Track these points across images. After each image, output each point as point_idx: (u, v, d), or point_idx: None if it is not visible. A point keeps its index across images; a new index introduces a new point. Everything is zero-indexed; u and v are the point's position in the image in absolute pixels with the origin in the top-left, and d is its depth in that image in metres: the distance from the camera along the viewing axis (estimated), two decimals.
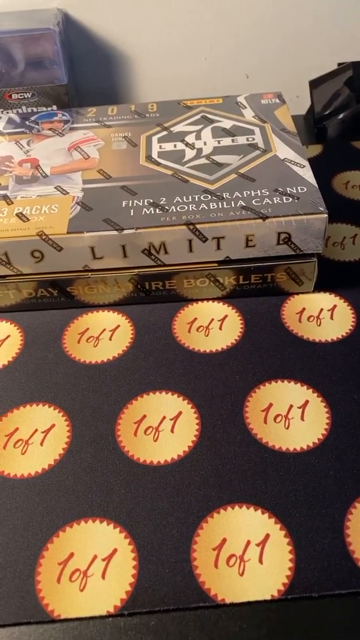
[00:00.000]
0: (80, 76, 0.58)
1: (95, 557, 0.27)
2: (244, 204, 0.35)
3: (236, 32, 0.57)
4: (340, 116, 0.56)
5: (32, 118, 0.47)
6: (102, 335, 0.37)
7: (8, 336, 0.38)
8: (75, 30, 0.56)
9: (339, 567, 0.26)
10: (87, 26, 0.56)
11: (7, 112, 0.53)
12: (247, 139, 0.42)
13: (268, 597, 0.25)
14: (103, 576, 0.26)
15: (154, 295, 0.38)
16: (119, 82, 0.59)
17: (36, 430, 0.32)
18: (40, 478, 0.30)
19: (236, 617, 0.24)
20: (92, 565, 0.26)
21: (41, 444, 0.31)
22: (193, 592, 0.25)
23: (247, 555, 0.26)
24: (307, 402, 0.32)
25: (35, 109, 0.53)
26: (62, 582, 0.26)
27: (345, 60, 0.59)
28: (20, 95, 0.52)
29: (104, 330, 0.38)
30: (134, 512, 0.28)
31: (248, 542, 0.27)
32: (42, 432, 0.32)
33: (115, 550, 0.27)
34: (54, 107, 0.53)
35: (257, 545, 0.27)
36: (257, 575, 0.26)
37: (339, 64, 0.58)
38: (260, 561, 0.26)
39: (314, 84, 0.56)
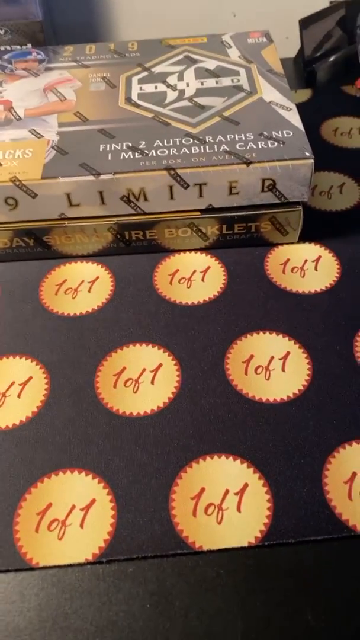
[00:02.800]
0: (57, 12, 0.55)
1: (73, 507, 0.27)
2: (228, 149, 0.34)
3: None
4: (331, 59, 0.53)
5: (5, 57, 0.45)
6: (80, 287, 0.36)
7: None
8: None
9: (316, 514, 0.26)
10: None
11: None
12: (232, 80, 0.40)
13: (245, 544, 0.25)
14: (82, 525, 0.26)
15: (134, 245, 0.37)
16: (98, 19, 0.56)
17: (13, 383, 0.31)
18: (18, 430, 0.30)
19: (213, 564, 0.25)
20: (71, 515, 0.26)
21: (18, 396, 0.31)
22: (171, 539, 0.25)
23: (225, 504, 0.26)
24: (288, 353, 0.32)
25: (9, 47, 0.50)
26: (40, 532, 0.26)
27: None
28: None
29: (83, 281, 0.36)
30: (112, 463, 0.28)
31: (226, 491, 0.27)
32: (20, 385, 0.31)
33: (93, 500, 0.27)
34: (29, 46, 0.50)
35: (236, 494, 0.27)
36: (234, 523, 0.26)
37: (331, 2, 0.55)
38: (239, 509, 0.26)
39: (304, 24, 0.53)
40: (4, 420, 0.30)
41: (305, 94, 0.51)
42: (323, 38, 0.53)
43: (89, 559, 0.25)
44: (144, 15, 0.56)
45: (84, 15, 0.55)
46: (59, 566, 0.25)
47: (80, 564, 0.25)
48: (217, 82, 0.40)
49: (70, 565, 0.25)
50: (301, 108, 0.49)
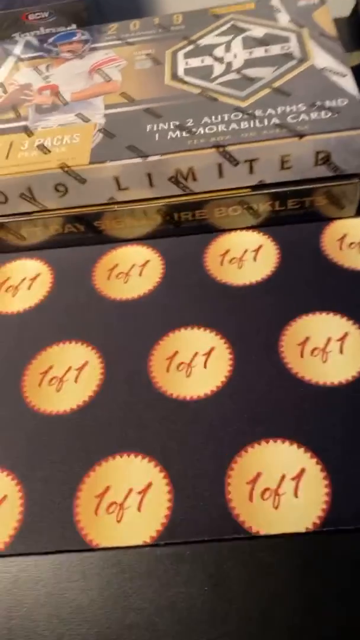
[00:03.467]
0: None
1: (130, 490, 0.27)
2: (278, 122, 0.32)
3: None
4: None
5: (50, 40, 0.44)
6: (131, 271, 0.36)
7: (39, 274, 0.37)
8: None
9: None
10: None
11: (25, 35, 0.50)
12: (282, 48, 0.38)
13: (303, 530, 0.25)
14: (139, 508, 0.26)
15: (183, 226, 0.36)
16: None
17: (70, 368, 0.32)
18: (76, 414, 0.30)
19: (271, 549, 0.24)
20: (128, 498, 0.27)
21: (75, 381, 0.32)
22: (227, 524, 0.25)
23: (282, 489, 0.26)
24: (346, 334, 0.31)
25: (54, 30, 0.50)
26: (99, 514, 0.27)
27: None
28: (38, 15, 0.49)
29: (134, 265, 0.36)
30: (167, 447, 0.28)
31: (283, 476, 0.26)
32: (76, 370, 0.32)
33: (150, 484, 0.27)
34: (74, 26, 0.49)
35: (292, 479, 0.26)
36: (292, 509, 0.25)
37: None
38: (296, 495, 0.26)
39: None
40: (63, 404, 0.31)
41: None
42: None
43: (146, 541, 0.25)
44: None
45: None
46: (118, 548, 0.25)
47: (138, 546, 0.25)
48: (266, 51, 0.38)
49: (129, 547, 0.25)
50: (356, 71, 0.46)
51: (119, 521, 0.26)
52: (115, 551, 0.25)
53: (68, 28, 0.49)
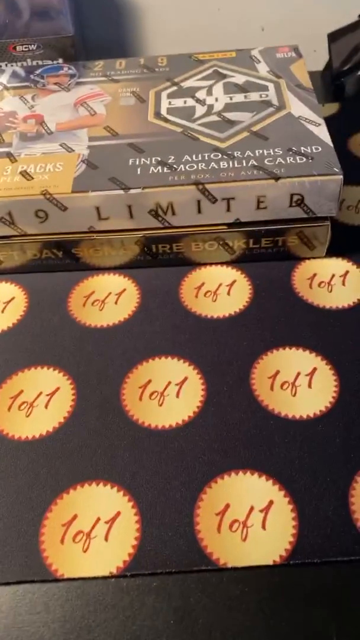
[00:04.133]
0: (88, 28, 0.56)
1: (98, 519, 0.27)
2: (256, 164, 0.34)
3: None
4: (359, 72, 0.53)
5: (37, 71, 0.46)
6: (107, 299, 0.37)
7: (13, 298, 0.37)
8: None
9: (342, 534, 0.25)
10: None
11: (12, 65, 0.51)
12: (261, 95, 0.40)
13: (270, 562, 0.25)
14: (106, 538, 0.26)
15: (160, 258, 0.37)
16: (128, 34, 0.56)
17: (41, 393, 0.32)
18: (45, 440, 0.30)
19: (238, 581, 0.24)
20: (96, 527, 0.26)
21: (46, 406, 0.31)
22: (195, 555, 0.25)
23: (250, 520, 0.26)
24: (315, 369, 0.32)
25: (40, 62, 0.51)
26: (65, 543, 0.26)
27: None
28: (25, 47, 0.50)
29: (110, 293, 0.37)
30: (137, 476, 0.28)
31: (251, 508, 0.27)
32: (47, 395, 0.32)
33: (118, 513, 0.27)
34: (60, 60, 0.51)
35: (261, 511, 0.26)
36: (259, 541, 0.25)
37: (359, 16, 0.55)
38: (264, 527, 0.26)
39: (333, 37, 0.53)
40: (32, 430, 0.30)
41: (333, 107, 0.51)
42: (351, 51, 0.53)
43: (113, 572, 0.25)
44: (173, 31, 0.56)
45: (114, 31, 0.56)
46: (84, 578, 0.25)
47: (104, 577, 0.25)
48: (245, 97, 0.40)
49: (95, 578, 0.25)
50: (329, 121, 0.49)
51: (85, 551, 0.26)
52: (80, 582, 0.25)
53: (54, 62, 0.51)
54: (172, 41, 0.57)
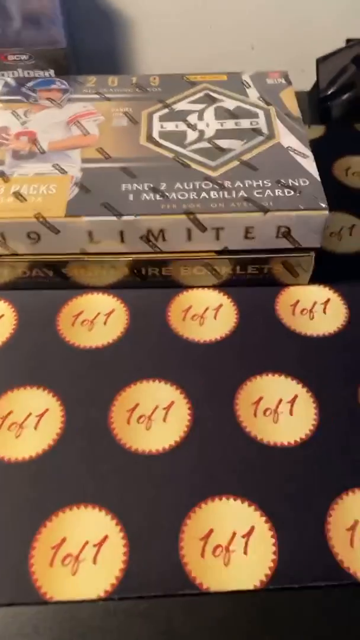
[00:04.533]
0: (80, 39, 0.56)
1: (86, 542, 0.28)
2: (246, 195, 0.35)
3: (244, 1, 0.54)
4: (345, 96, 0.54)
5: (29, 84, 0.46)
6: (96, 319, 0.37)
7: (2, 315, 0.38)
8: None
9: (318, 561, 0.27)
10: None
11: (2, 75, 0.51)
12: (251, 123, 0.41)
13: (251, 587, 0.26)
14: (94, 561, 0.27)
15: (150, 280, 0.38)
16: (120, 47, 0.57)
17: (30, 414, 0.33)
18: (34, 462, 0.31)
19: (220, 605, 0.26)
20: (84, 551, 0.27)
21: (35, 428, 0.32)
22: (180, 579, 0.27)
23: (232, 546, 0.27)
24: (296, 396, 0.33)
25: (31, 72, 0.51)
26: (54, 566, 0.27)
27: (354, 37, 0.57)
28: (17, 57, 0.50)
29: (99, 314, 0.38)
30: (125, 500, 0.29)
31: (234, 534, 0.28)
32: (37, 416, 0.33)
33: (106, 537, 0.28)
34: (52, 72, 0.51)
35: (243, 537, 0.28)
36: (241, 566, 0.27)
37: (348, 40, 0.56)
38: (245, 552, 0.27)
39: (322, 61, 0.54)
40: (21, 451, 0.31)
41: (319, 131, 0.52)
42: (338, 75, 0.54)
43: (101, 595, 0.26)
44: (165, 44, 0.57)
45: (106, 44, 0.56)
46: (72, 602, 0.26)
47: (92, 600, 0.26)
48: (236, 124, 0.41)
49: (83, 601, 0.26)
50: (314, 145, 0.50)
51: (73, 574, 0.27)
52: (68, 605, 0.26)
53: (46, 73, 0.51)
54: (162, 55, 0.58)
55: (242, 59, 0.58)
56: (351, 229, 0.43)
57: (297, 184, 0.36)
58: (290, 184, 0.36)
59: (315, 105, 0.56)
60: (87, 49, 0.56)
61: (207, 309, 0.38)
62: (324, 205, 0.34)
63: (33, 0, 0.49)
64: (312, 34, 0.57)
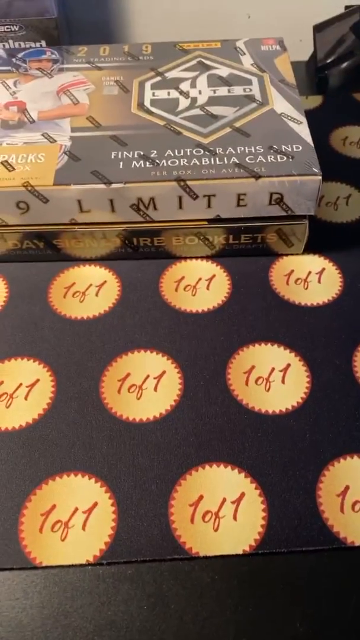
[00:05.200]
0: (72, 8, 0.55)
1: (76, 509, 0.28)
2: (237, 161, 0.34)
3: None
4: (344, 65, 0.53)
5: (20, 55, 0.45)
6: (88, 291, 0.37)
7: None
8: None
9: (309, 525, 0.27)
10: None
11: None
12: (244, 90, 0.40)
13: (240, 552, 0.26)
14: (84, 527, 0.27)
15: (141, 251, 0.38)
16: (113, 16, 0.56)
17: (21, 385, 0.32)
18: (25, 431, 0.31)
19: (209, 569, 0.26)
20: (73, 517, 0.27)
21: (25, 398, 0.32)
22: (169, 544, 0.26)
23: (222, 512, 0.27)
24: (288, 365, 0.33)
25: (23, 44, 0.50)
26: (44, 532, 0.27)
27: (354, 3, 0.56)
28: (7, 28, 0.49)
29: (90, 285, 0.37)
30: (115, 468, 0.29)
31: (224, 500, 0.28)
32: (27, 387, 0.32)
33: (95, 504, 0.28)
34: (43, 43, 0.50)
35: (232, 502, 0.28)
36: (230, 531, 0.27)
37: (346, 7, 0.55)
38: (235, 518, 0.27)
39: (318, 29, 0.53)
40: (11, 421, 0.31)
41: (316, 100, 0.51)
42: (336, 44, 0.53)
43: (89, 560, 0.26)
44: (159, 15, 0.56)
45: (98, 14, 0.55)
46: (61, 566, 0.26)
47: (81, 565, 0.26)
48: (229, 91, 0.40)
49: (72, 566, 0.26)
50: (311, 115, 0.50)
51: (63, 540, 0.27)
52: (57, 569, 0.26)
53: (37, 44, 0.50)
54: (157, 25, 0.56)
55: (238, 28, 0.57)
56: (347, 198, 0.42)
57: (289, 150, 0.35)
58: (283, 150, 0.35)
59: (312, 75, 0.54)
60: (79, 20, 0.55)
61: (199, 279, 0.37)
62: (317, 171, 0.34)
63: None
64: (310, 2, 0.56)
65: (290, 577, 0.25)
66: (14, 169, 0.35)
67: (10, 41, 0.50)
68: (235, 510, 0.27)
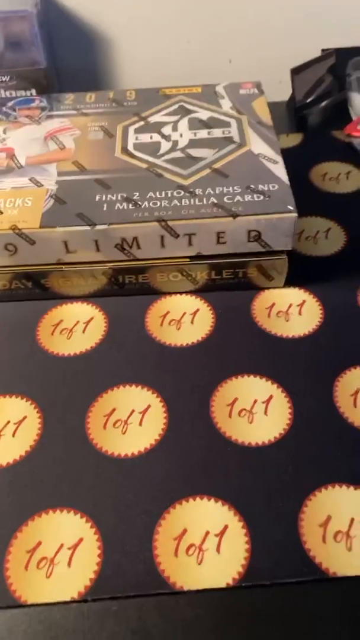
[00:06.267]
0: (61, 57, 0.57)
1: (62, 545, 0.28)
2: (216, 201, 0.36)
3: (220, 15, 0.56)
4: (322, 104, 0.56)
5: (10, 104, 0.47)
6: (75, 328, 0.38)
7: None
8: (54, 10, 0.55)
9: (291, 557, 0.27)
10: (66, 6, 0.55)
11: None
12: (223, 132, 0.42)
13: (223, 585, 0.26)
14: (69, 564, 0.27)
15: (127, 287, 0.39)
16: (99, 64, 0.58)
17: (8, 422, 0.33)
18: (11, 469, 0.31)
19: (193, 604, 0.26)
20: (59, 554, 0.28)
21: (13, 435, 0.32)
22: (153, 579, 0.27)
23: (205, 545, 0.28)
24: (271, 397, 0.34)
25: (14, 93, 0.52)
26: (29, 569, 0.27)
27: (330, 47, 0.58)
28: None
29: (78, 322, 0.38)
30: (100, 503, 0.29)
31: (207, 533, 0.28)
32: (15, 424, 0.33)
33: (81, 539, 0.28)
34: (33, 91, 0.52)
35: (216, 535, 0.28)
36: (214, 564, 0.27)
37: (323, 50, 0.58)
38: (218, 551, 0.27)
39: (296, 71, 0.56)
40: None
41: (296, 138, 0.53)
42: (314, 84, 0.56)
43: (74, 597, 0.26)
44: (144, 61, 0.58)
45: (86, 61, 0.58)
46: (46, 604, 0.26)
47: (66, 602, 0.26)
48: (209, 133, 0.42)
49: (57, 604, 0.26)
50: (292, 152, 0.51)
51: (48, 577, 0.27)
52: (42, 608, 0.26)
53: (27, 92, 0.52)
54: (142, 70, 0.59)
55: (219, 73, 0.60)
56: (327, 232, 0.44)
57: (266, 189, 0.36)
58: (260, 189, 0.36)
59: (292, 114, 0.57)
60: (68, 68, 0.58)
61: (184, 314, 0.38)
62: (292, 208, 0.35)
63: (13, 25, 0.51)
64: (289, 45, 0.59)
65: (274, 609, 0.26)
66: (2, 212, 0.36)
67: (2, 90, 0.52)
68: (219, 543, 0.28)
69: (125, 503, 0.29)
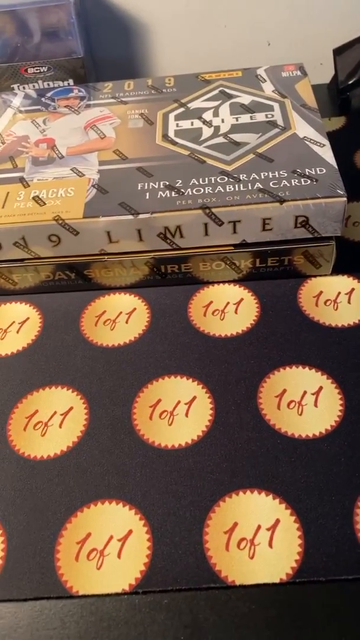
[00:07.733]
0: (97, 47, 0.57)
1: (111, 537, 0.28)
2: (261, 187, 0.35)
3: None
4: None
5: (48, 94, 0.47)
6: (118, 318, 0.38)
7: (27, 318, 0.38)
8: (91, 0, 0.54)
9: (346, 553, 0.26)
10: None
11: (24, 88, 0.52)
12: (266, 116, 0.41)
13: (277, 580, 0.26)
14: (119, 556, 0.27)
15: (169, 278, 0.38)
16: (137, 52, 0.58)
17: (55, 413, 0.33)
18: (59, 460, 0.31)
19: (245, 599, 0.25)
20: (109, 545, 0.28)
21: (60, 426, 0.32)
22: (204, 573, 0.26)
23: (257, 539, 0.27)
24: (321, 388, 0.33)
25: (51, 83, 0.52)
26: (80, 561, 0.27)
27: None
28: (36, 69, 0.52)
29: (121, 313, 0.38)
30: (148, 495, 0.29)
31: (259, 527, 0.27)
32: (61, 415, 0.33)
33: (130, 531, 0.28)
34: (71, 81, 0.52)
35: (268, 529, 0.27)
36: (266, 559, 0.26)
37: None
38: (270, 545, 0.27)
39: (338, 52, 0.54)
40: (47, 449, 0.31)
41: (339, 122, 0.51)
42: (356, 65, 0.53)
43: (125, 589, 0.26)
44: (181, 48, 0.57)
45: (123, 50, 0.57)
46: (98, 595, 0.26)
47: (117, 594, 0.26)
48: (251, 118, 0.41)
49: (108, 595, 0.26)
50: (335, 135, 0.50)
51: (98, 568, 0.27)
52: (94, 599, 0.26)
53: (65, 83, 0.52)
54: (180, 58, 0.58)
55: (259, 56, 0.58)
56: None
57: (313, 173, 0.35)
58: (307, 174, 0.35)
59: (334, 97, 0.55)
60: (104, 57, 0.57)
61: (227, 303, 0.38)
62: (341, 192, 0.34)
63: (50, 15, 0.50)
64: (329, 26, 0.57)
65: (329, 606, 0.25)
66: (45, 203, 0.36)
67: (40, 81, 0.52)
68: (271, 538, 0.27)
69: (174, 495, 0.29)
